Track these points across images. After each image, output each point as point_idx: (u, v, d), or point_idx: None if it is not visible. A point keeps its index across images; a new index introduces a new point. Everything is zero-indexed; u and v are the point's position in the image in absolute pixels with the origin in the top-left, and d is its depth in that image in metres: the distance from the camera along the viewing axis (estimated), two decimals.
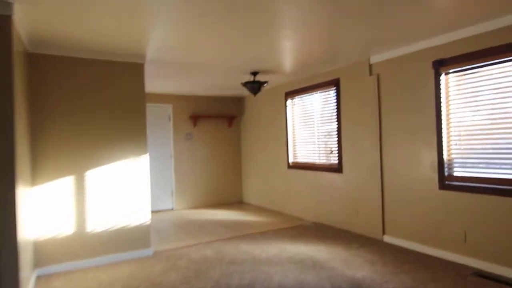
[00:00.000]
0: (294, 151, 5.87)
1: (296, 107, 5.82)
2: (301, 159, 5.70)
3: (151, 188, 6.61)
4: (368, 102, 4.38)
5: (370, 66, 4.37)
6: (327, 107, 5.11)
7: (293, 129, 5.89)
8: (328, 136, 5.10)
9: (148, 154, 4.21)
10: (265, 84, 4.85)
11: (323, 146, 5.20)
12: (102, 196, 3.77)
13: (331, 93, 5.03)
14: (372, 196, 4.36)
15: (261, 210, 6.50)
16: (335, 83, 4.89)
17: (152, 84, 5.71)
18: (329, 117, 5.07)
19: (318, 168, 5.25)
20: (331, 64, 4.65)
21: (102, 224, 3.76)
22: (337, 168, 4.88)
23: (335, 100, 4.91)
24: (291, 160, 5.93)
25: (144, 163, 4.01)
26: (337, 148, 4.90)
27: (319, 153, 5.29)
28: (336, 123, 4.90)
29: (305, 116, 5.59)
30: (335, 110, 4.92)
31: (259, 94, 6.80)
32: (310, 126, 5.47)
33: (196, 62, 4.31)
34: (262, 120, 6.74)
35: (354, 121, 4.60)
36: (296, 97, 5.78)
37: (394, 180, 4.10)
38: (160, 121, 6.74)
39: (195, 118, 6.92)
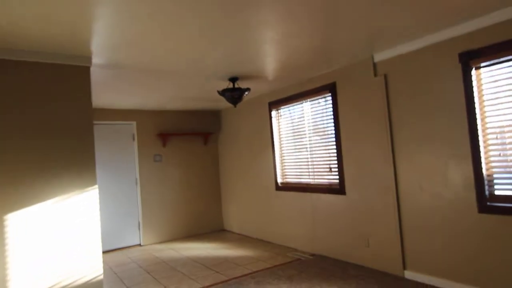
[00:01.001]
0: (283, 169, 5.03)
1: (283, 119, 5.01)
2: (292, 178, 4.86)
3: (112, 222, 5.51)
4: (374, 109, 3.63)
5: (375, 65, 3.64)
6: (321, 117, 4.33)
7: (280, 145, 5.06)
8: (324, 152, 4.30)
9: (96, 186, 3.21)
10: (247, 92, 4.01)
11: (319, 163, 4.39)
12: (32, 247, 2.73)
13: (326, 101, 4.25)
14: (386, 221, 3.56)
15: (246, 240, 5.55)
16: (330, 89, 4.13)
17: (111, 98, 4.73)
18: (324, 129, 4.28)
19: (314, 189, 4.41)
20: (324, 65, 3.89)
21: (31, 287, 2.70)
22: (338, 189, 4.06)
23: (331, 109, 4.14)
24: (279, 180, 5.07)
25: (92, 197, 3.01)
26: (336, 165, 4.09)
27: (313, 172, 4.47)
28: (334, 135, 4.11)
29: (294, 129, 4.78)
30: (332, 121, 4.14)
31: (238, 106, 5.96)
32: (301, 141, 4.66)
33: (161, 66, 3.42)
34: (243, 136, 5.88)
35: (357, 132, 3.83)
36: (282, 107, 4.97)
37: (414, 201, 3.33)
38: (122, 141, 5.71)
39: (165, 137, 5.95)
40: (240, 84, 4.39)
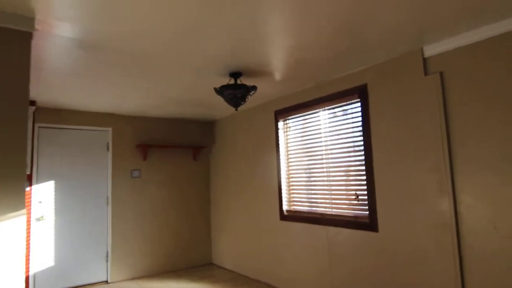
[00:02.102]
0: (290, 195, 4.03)
1: (292, 132, 4.07)
2: (302, 206, 3.86)
3: (73, 250, 4.38)
4: (424, 118, 2.72)
5: (425, 61, 2.75)
6: (345, 129, 3.40)
7: (288, 163, 4.09)
8: (348, 173, 3.34)
9: (24, 210, 2.19)
10: (253, 92, 3.08)
11: (340, 188, 3.41)
12: None
13: (352, 109, 3.34)
14: (440, 271, 2.57)
15: (241, 280, 4.46)
16: (359, 92, 3.22)
17: (81, 96, 3.75)
18: (349, 145, 3.34)
19: (332, 222, 3.42)
20: (352, 62, 3.00)
21: None
22: (367, 224, 3.08)
23: (360, 119, 3.22)
24: (285, 207, 4.07)
25: (17, 227, 1.97)
26: (366, 192, 3.13)
27: (332, 199, 3.49)
28: (363, 153, 3.17)
29: (306, 145, 3.83)
30: (360, 134, 3.21)
31: (236, 114, 5.01)
32: (315, 159, 3.70)
33: (142, 49, 2.48)
34: (241, 151, 4.90)
35: (398, 149, 2.89)
36: (292, 117, 4.04)
37: (484, 246, 2.36)
38: (93, 151, 4.67)
39: (145, 148, 4.93)
40: (244, 82, 3.45)
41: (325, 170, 3.58)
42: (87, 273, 4.45)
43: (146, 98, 4.06)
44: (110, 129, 4.79)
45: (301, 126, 3.94)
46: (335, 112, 3.53)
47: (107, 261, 4.60)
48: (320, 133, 3.66)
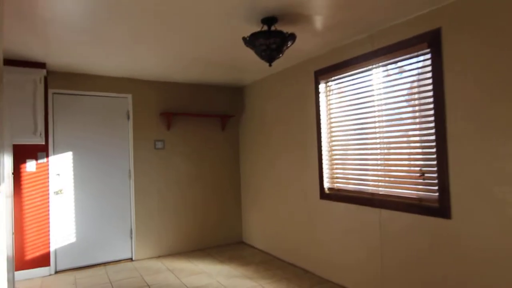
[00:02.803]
0: (333, 170, 3.43)
1: (336, 96, 3.40)
2: (348, 184, 3.26)
3: (95, 227, 4.09)
4: None
5: None
6: (408, 90, 2.69)
7: (331, 133, 3.46)
8: (410, 146, 2.67)
9: (3, 186, 1.75)
10: (291, 42, 2.43)
11: (398, 163, 2.76)
12: None
13: (418, 63, 2.61)
14: None
15: (273, 263, 4.01)
16: (429, 40, 2.48)
17: (96, 57, 3.28)
18: (414, 110, 2.65)
19: (386, 203, 2.80)
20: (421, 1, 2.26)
21: None
22: (436, 209, 2.44)
23: (430, 75, 2.50)
24: (327, 185, 3.49)
25: None
26: (435, 169, 2.46)
27: (386, 176, 2.85)
28: (433, 119, 2.47)
29: (355, 111, 3.17)
30: (430, 95, 2.50)
31: (268, 78, 4.38)
32: (365, 128, 3.05)
33: None
34: (274, 120, 4.31)
35: (483, 115, 2.18)
36: (336, 77, 3.36)
37: None
38: (112, 121, 4.27)
39: (170, 117, 4.46)
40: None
41: (378, 141, 2.92)
42: (110, 250, 4.18)
43: (168, 59, 3.52)
44: (130, 95, 4.35)
45: (347, 89, 3.26)
46: (394, 69, 2.82)
47: (131, 238, 4.30)
48: (373, 95, 2.97)
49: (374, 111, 2.95)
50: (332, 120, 3.43)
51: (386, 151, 2.85)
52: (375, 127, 2.95)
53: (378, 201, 2.88)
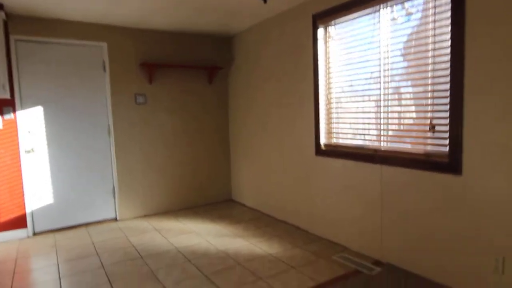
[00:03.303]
0: (330, 124, 3.19)
1: (337, 43, 3.08)
2: (346, 139, 3.04)
3: (74, 186, 3.83)
4: None
5: None
6: (418, 33, 2.39)
7: (329, 85, 3.17)
8: (418, 96, 2.43)
9: None
10: None
11: (403, 115, 2.53)
12: None
13: (432, 1, 2.29)
14: None
15: (265, 221, 3.88)
16: None
17: (65, 2, 2.80)
18: (424, 56, 2.37)
19: (390, 160, 2.61)
20: None
21: None
22: (446, 164, 2.25)
23: (449, 14, 2.20)
24: (323, 140, 3.26)
25: None
26: (447, 122, 2.24)
27: (389, 131, 2.63)
28: (449, 67, 2.21)
29: (356, 59, 2.87)
30: (447, 39, 2.22)
31: (261, 25, 3.98)
32: (368, 78, 2.77)
33: None
34: (266, 71, 3.97)
35: (510, 61, 1.92)
36: (337, 21, 3.02)
37: None
38: (86, 72, 3.85)
39: (151, 68, 4.06)
40: None
41: (382, 92, 2.67)
42: (92, 210, 3.95)
43: (148, 1, 3.07)
44: (105, 44, 3.89)
45: (349, 34, 2.94)
46: (404, 9, 2.49)
47: (114, 197, 4.06)
48: (378, 41, 2.66)
49: (379, 59, 2.66)
50: (331, 69, 3.13)
51: (390, 102, 2.61)
52: (379, 77, 2.67)
53: (379, 157, 2.68)
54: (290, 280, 2.49)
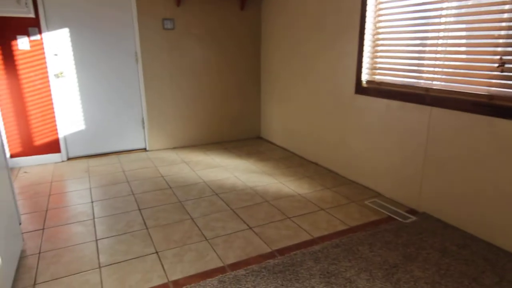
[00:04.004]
0: (375, 59, 2.84)
1: None
2: (392, 76, 2.71)
3: (103, 114, 3.81)
4: None
5: None
6: None
7: (378, 11, 2.75)
8: (484, 28, 2.02)
9: None
10: None
11: (468, 50, 2.15)
12: None
13: None
14: None
15: (294, 160, 3.77)
16: None
17: None
18: None
19: (442, 101, 2.30)
20: None
21: None
22: None
23: None
24: (365, 76, 2.94)
25: None
26: None
27: (445, 67, 2.28)
28: None
29: None
30: None
31: None
32: (426, 3, 2.34)
33: None
34: None
35: None
36: None
37: None
38: None
39: None
40: None
41: (442, 20, 2.26)
42: (123, 139, 3.97)
43: None
44: None
45: None
46: None
47: (143, 127, 4.04)
48: None
49: None
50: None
51: (451, 34, 2.22)
52: (441, 1, 2.25)
53: (431, 98, 2.38)
54: (318, 221, 2.41)
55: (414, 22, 2.45)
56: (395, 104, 2.66)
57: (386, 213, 2.54)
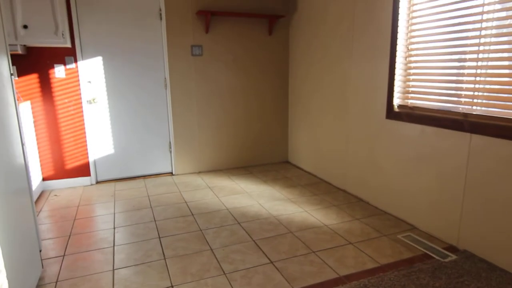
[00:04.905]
0: (407, 82, 2.68)
1: None
2: (426, 101, 2.53)
3: (132, 139, 3.87)
4: None
5: None
6: None
7: (410, 33, 2.61)
8: None
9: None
10: None
11: (507, 71, 1.96)
12: None
13: None
14: None
15: (322, 187, 3.60)
16: None
17: None
18: None
19: (483, 128, 2.09)
20: None
21: None
22: None
23: None
24: (397, 101, 2.78)
25: None
26: None
27: (487, 91, 2.08)
28: None
29: (450, 2, 2.27)
30: None
31: None
32: (464, 24, 2.18)
33: None
34: (335, 17, 3.46)
35: None
36: None
37: None
38: (142, 21, 3.70)
39: (208, 16, 3.78)
40: None
41: (482, 41, 2.08)
42: (150, 164, 4.00)
43: None
44: None
45: None
46: None
47: (170, 152, 4.06)
48: None
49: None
50: (414, 15, 2.55)
51: (492, 55, 2.03)
52: (480, 20, 2.08)
53: (470, 124, 2.17)
54: (346, 257, 2.23)
55: (450, 43, 2.29)
56: (429, 129, 2.47)
57: (422, 249, 2.31)
